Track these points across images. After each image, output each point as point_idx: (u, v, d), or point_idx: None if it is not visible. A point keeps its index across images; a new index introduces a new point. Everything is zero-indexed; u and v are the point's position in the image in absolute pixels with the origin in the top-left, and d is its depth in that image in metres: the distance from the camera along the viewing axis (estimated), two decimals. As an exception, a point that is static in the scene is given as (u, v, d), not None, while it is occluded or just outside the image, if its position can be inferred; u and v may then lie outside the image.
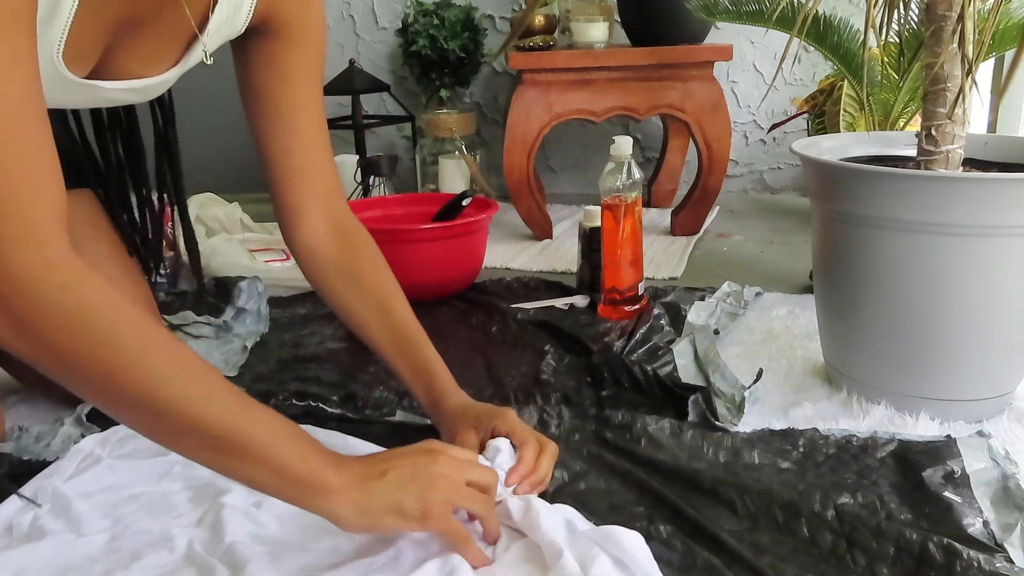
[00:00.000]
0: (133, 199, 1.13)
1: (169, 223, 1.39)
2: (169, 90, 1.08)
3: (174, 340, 0.62)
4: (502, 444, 0.75)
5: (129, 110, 1.09)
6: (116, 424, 0.93)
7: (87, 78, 0.78)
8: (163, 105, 1.07)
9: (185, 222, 1.16)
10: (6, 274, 0.54)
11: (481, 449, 0.77)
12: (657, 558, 0.65)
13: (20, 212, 0.55)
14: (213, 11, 0.79)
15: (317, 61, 0.89)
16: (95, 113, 1.08)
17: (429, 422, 0.86)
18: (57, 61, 0.72)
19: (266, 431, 0.62)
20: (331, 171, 0.91)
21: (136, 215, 1.13)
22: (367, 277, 0.89)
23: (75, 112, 1.08)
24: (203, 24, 0.81)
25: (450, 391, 0.84)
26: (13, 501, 0.78)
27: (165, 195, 1.12)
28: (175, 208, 1.14)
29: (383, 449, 0.73)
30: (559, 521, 0.68)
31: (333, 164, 0.91)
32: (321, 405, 0.98)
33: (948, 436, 0.83)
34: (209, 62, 0.85)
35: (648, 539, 0.66)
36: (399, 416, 0.96)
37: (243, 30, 0.84)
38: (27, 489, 0.80)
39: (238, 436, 0.60)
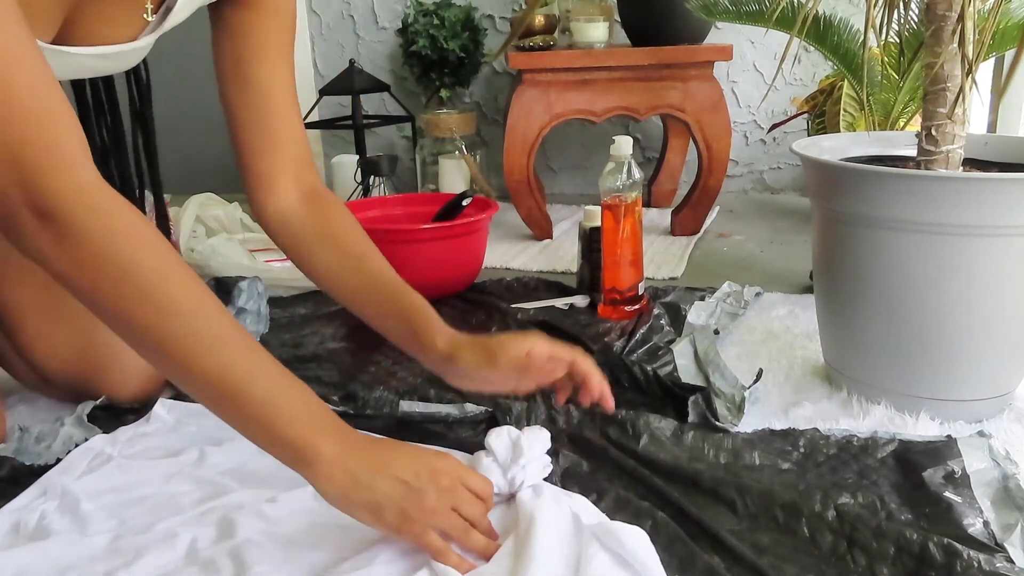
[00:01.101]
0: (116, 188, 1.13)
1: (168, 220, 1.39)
2: (147, 69, 1.08)
3: (194, 279, 0.62)
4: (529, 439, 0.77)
5: (111, 95, 1.09)
6: (118, 427, 0.93)
7: (54, 43, 0.76)
8: (140, 83, 1.07)
9: (159, 205, 1.16)
10: (42, 196, 0.57)
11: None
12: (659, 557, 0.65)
13: (49, 137, 0.58)
14: None
15: (289, 31, 0.89)
16: (79, 98, 1.08)
17: (435, 413, 0.85)
18: None
19: (267, 387, 0.62)
20: (302, 140, 0.91)
21: None
22: (341, 237, 0.88)
23: None
24: None
25: (445, 330, 0.82)
26: (19, 500, 0.79)
27: (140, 178, 1.12)
28: (146, 189, 1.14)
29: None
30: (566, 515, 0.68)
31: (304, 134, 0.91)
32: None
33: (949, 436, 0.83)
34: (150, 19, 0.83)
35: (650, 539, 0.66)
36: (404, 407, 0.96)
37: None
38: (38, 486, 0.81)
39: (236, 388, 0.61)
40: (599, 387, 0.79)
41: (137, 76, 1.08)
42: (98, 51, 0.82)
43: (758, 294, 1.35)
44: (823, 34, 1.41)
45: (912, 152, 0.97)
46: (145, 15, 0.82)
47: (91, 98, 1.08)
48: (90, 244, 0.58)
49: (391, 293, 0.84)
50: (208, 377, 0.61)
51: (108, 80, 1.08)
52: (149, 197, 1.21)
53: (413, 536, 0.64)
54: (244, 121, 0.87)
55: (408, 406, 0.96)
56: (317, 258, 0.88)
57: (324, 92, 2.03)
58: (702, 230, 1.84)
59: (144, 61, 1.06)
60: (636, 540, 0.64)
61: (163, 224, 1.17)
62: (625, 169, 1.21)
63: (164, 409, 0.95)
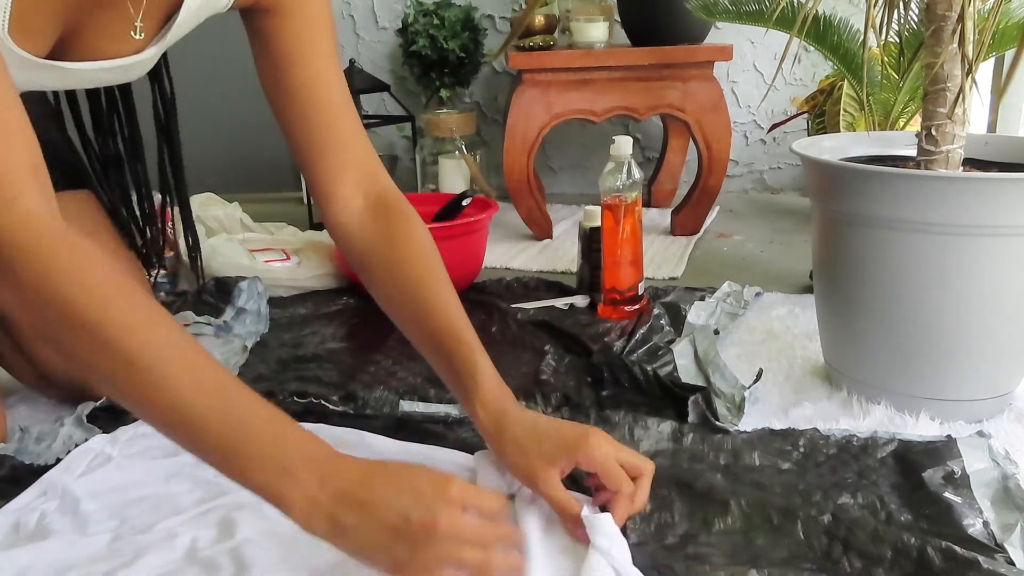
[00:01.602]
0: (133, 196, 1.12)
1: (170, 223, 1.39)
2: (171, 81, 1.06)
3: (144, 310, 0.58)
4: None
5: (128, 104, 1.08)
6: (118, 427, 0.93)
7: (49, 58, 0.74)
8: (164, 96, 1.06)
9: (186, 216, 1.15)
10: None
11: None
12: (656, 559, 0.65)
13: None
14: None
15: (325, 30, 0.83)
16: (94, 107, 1.08)
17: (435, 413, 0.83)
18: (5, 39, 0.68)
19: (226, 429, 0.57)
20: (362, 144, 0.84)
21: (136, 211, 1.12)
22: (406, 259, 0.80)
23: (73, 109, 1.08)
24: (177, 2, 0.78)
25: (500, 405, 0.72)
26: (19, 500, 0.79)
27: (166, 192, 1.12)
28: (175, 203, 1.13)
29: (396, 443, 0.69)
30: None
31: (364, 136, 0.85)
32: (323, 402, 0.97)
33: (948, 436, 0.83)
34: (139, 37, 0.79)
35: (646, 540, 0.66)
36: (404, 407, 0.96)
37: (228, 9, 0.81)
38: (38, 486, 0.81)
39: (193, 430, 0.56)
40: (632, 511, 0.69)
41: (162, 90, 1.05)
42: (98, 65, 0.80)
43: (758, 294, 1.35)
44: (823, 34, 1.40)
45: (912, 152, 0.97)
46: (134, 33, 0.78)
47: (106, 105, 1.07)
48: (28, 282, 0.55)
49: (443, 337, 0.76)
50: (162, 417, 0.57)
51: (125, 88, 1.07)
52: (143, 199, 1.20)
53: None
54: (295, 130, 0.82)
55: (408, 406, 0.96)
56: (375, 282, 0.82)
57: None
58: (702, 230, 1.84)
59: (169, 76, 1.05)
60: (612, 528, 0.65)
61: (191, 236, 1.16)
62: (625, 169, 1.21)
63: None
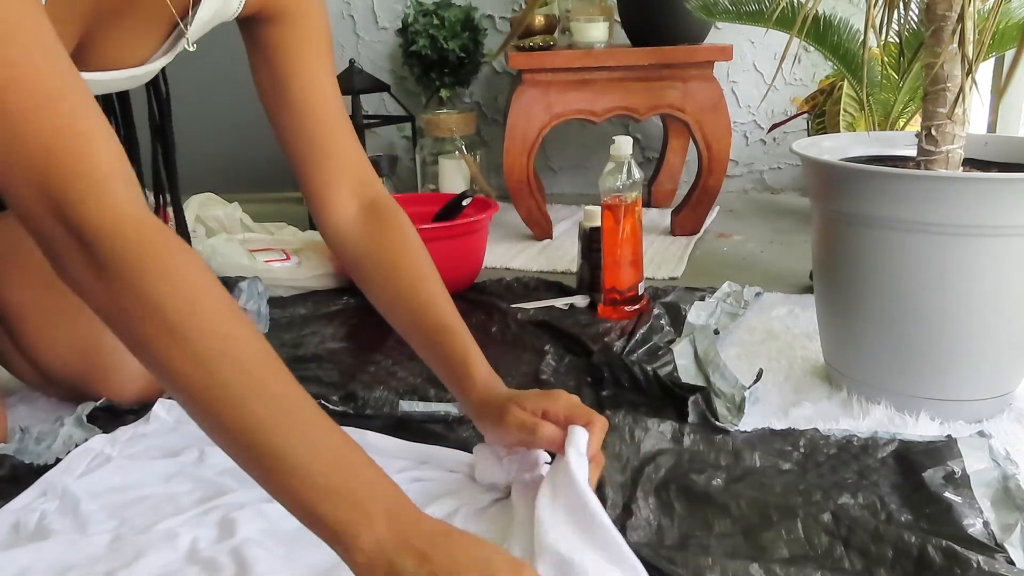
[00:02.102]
0: None
1: (169, 222, 1.39)
2: (167, 82, 1.07)
3: (231, 316, 0.55)
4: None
5: (125, 105, 1.09)
6: (117, 427, 0.93)
7: None
8: (159, 97, 1.07)
9: (179, 217, 1.16)
10: (79, 222, 0.53)
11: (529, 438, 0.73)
12: (655, 559, 0.65)
13: (83, 159, 0.54)
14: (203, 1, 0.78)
15: (323, 41, 0.86)
16: None
17: (435, 413, 0.84)
18: None
19: (304, 452, 0.53)
20: (355, 152, 0.87)
21: None
22: (394, 264, 0.83)
23: None
24: (185, 11, 0.80)
25: (491, 388, 0.77)
26: (19, 500, 0.79)
27: (160, 192, 1.12)
28: (168, 203, 1.14)
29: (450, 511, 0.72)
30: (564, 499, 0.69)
31: (357, 145, 0.88)
32: (323, 402, 0.97)
33: (949, 436, 0.83)
34: (192, 48, 0.83)
35: (648, 540, 0.66)
36: (404, 407, 0.96)
37: (235, 17, 0.83)
38: (37, 486, 0.81)
39: (265, 449, 0.53)
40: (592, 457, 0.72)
41: (157, 91, 1.07)
42: (109, 76, 0.81)
43: (758, 294, 1.35)
44: (823, 34, 1.40)
45: (912, 152, 0.97)
46: (187, 47, 0.81)
47: (103, 108, 1.08)
48: (116, 273, 0.54)
49: (441, 332, 0.79)
50: (234, 434, 0.53)
51: (123, 92, 1.08)
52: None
53: None
54: (291, 139, 0.84)
55: (408, 406, 0.96)
56: (369, 284, 0.84)
57: (324, 92, 2.03)
58: (702, 230, 1.84)
59: (164, 76, 1.06)
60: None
61: (184, 236, 1.17)
62: (625, 169, 1.21)
63: (164, 409, 0.95)
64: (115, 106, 1.08)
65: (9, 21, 0.54)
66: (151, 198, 1.14)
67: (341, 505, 0.53)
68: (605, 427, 0.75)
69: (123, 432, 0.91)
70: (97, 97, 1.06)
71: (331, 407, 0.97)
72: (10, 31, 0.54)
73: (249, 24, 0.84)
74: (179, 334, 0.53)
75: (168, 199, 1.13)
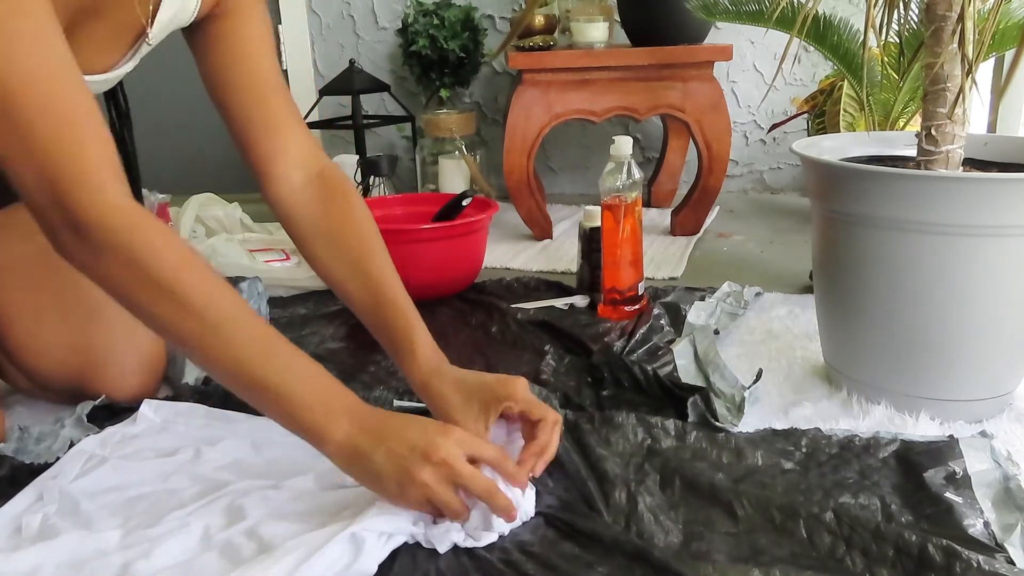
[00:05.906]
0: None
1: (169, 223, 1.39)
2: (125, 95, 1.10)
3: (207, 277, 0.68)
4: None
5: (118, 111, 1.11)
6: (114, 424, 0.93)
7: None
8: (119, 110, 1.09)
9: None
10: (75, 214, 0.64)
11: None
12: (654, 559, 0.65)
13: (77, 159, 0.64)
14: (163, 3, 0.82)
15: (267, 29, 0.90)
16: None
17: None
18: None
19: (283, 377, 0.68)
20: (298, 125, 0.90)
21: None
22: (342, 234, 0.86)
23: None
24: (152, 14, 0.83)
25: (433, 366, 0.81)
26: (18, 502, 0.78)
27: None
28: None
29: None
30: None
31: (302, 125, 0.91)
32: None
33: (950, 436, 0.83)
34: (150, 45, 0.86)
35: (650, 540, 0.66)
36: (396, 405, 0.96)
37: (192, 19, 0.86)
38: (32, 489, 0.80)
39: (254, 379, 0.67)
40: (540, 460, 0.76)
41: (116, 103, 1.10)
42: (88, 80, 0.83)
43: (758, 294, 1.35)
44: (823, 34, 1.40)
45: (912, 152, 0.97)
46: (146, 42, 0.85)
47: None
48: (116, 258, 0.65)
49: (385, 307, 0.83)
50: (228, 369, 0.67)
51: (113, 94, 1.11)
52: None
53: (411, 505, 0.69)
54: (236, 117, 0.88)
55: (403, 405, 0.96)
56: (317, 255, 0.87)
57: (324, 92, 2.03)
58: (702, 230, 1.84)
59: (122, 88, 1.08)
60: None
61: None
62: (625, 169, 1.21)
63: (150, 409, 0.94)
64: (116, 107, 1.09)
65: (26, 36, 0.63)
66: (154, 198, 1.15)
67: (315, 411, 0.68)
68: (558, 421, 0.78)
69: (112, 433, 0.90)
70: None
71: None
72: (26, 46, 0.63)
73: (199, 25, 0.87)
74: (168, 293, 0.66)
75: None
